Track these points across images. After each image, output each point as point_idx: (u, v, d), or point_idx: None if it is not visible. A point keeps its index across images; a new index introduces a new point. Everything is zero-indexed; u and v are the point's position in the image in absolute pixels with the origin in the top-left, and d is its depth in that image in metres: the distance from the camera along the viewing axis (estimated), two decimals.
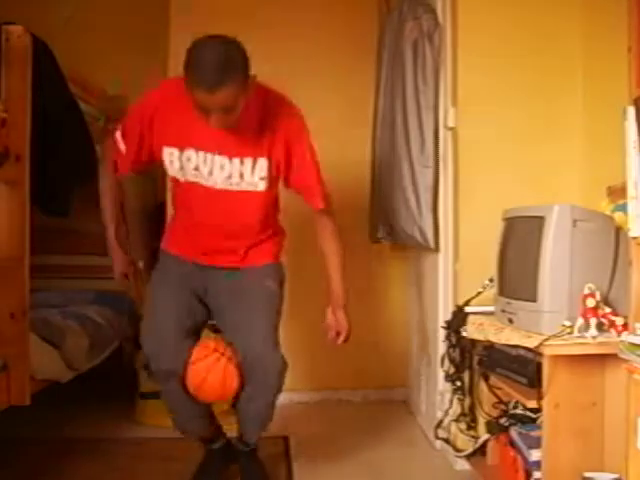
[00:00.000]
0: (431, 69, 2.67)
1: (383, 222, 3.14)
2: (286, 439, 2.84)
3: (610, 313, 1.88)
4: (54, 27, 3.30)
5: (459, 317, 2.39)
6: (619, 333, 1.81)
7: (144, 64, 3.48)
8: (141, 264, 2.46)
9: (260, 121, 2.03)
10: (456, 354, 2.46)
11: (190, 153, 2.04)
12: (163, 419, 2.91)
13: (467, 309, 2.39)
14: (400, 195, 2.88)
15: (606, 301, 1.93)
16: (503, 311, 2.17)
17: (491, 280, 2.32)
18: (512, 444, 2.19)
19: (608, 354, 1.82)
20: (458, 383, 2.47)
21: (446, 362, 2.50)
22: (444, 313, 2.59)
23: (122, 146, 2.09)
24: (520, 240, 2.17)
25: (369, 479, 2.51)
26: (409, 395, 3.37)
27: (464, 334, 2.33)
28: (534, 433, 2.12)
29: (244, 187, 2.08)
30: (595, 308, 1.87)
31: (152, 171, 3.88)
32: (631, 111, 1.61)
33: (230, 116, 1.87)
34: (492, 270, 2.28)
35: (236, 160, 2.04)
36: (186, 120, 1.97)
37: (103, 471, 2.48)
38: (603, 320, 1.87)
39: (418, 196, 2.72)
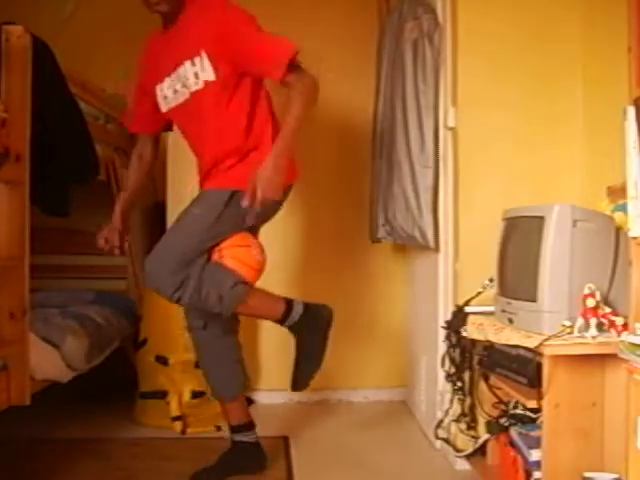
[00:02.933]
0: (431, 69, 2.67)
1: (383, 222, 3.14)
2: (286, 439, 2.84)
3: (610, 313, 1.89)
4: (54, 27, 3.31)
5: (459, 317, 2.39)
6: (619, 333, 1.81)
7: None
8: (127, 243, 2.52)
9: (193, 19, 2.19)
10: (456, 354, 2.46)
11: (167, 81, 2.27)
12: (163, 419, 2.92)
13: (467, 309, 2.38)
14: (400, 195, 2.88)
15: (606, 301, 1.93)
16: (503, 311, 2.17)
17: (491, 280, 2.32)
18: (512, 444, 2.19)
19: (608, 354, 1.82)
20: (458, 383, 2.47)
21: (446, 362, 2.50)
22: (444, 313, 2.59)
23: (130, 107, 2.43)
24: (520, 240, 2.17)
25: (369, 479, 2.51)
26: (409, 395, 3.37)
27: (464, 334, 2.33)
28: (534, 433, 2.12)
29: (200, 85, 2.19)
30: (595, 308, 1.87)
31: (151, 169, 3.89)
32: (631, 111, 1.61)
33: None
34: (492, 270, 2.28)
35: (187, 63, 2.19)
36: (158, 53, 2.29)
37: (103, 471, 2.48)
38: (603, 320, 1.87)
39: (418, 196, 2.72)
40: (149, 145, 2.52)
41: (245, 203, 2.02)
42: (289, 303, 2.33)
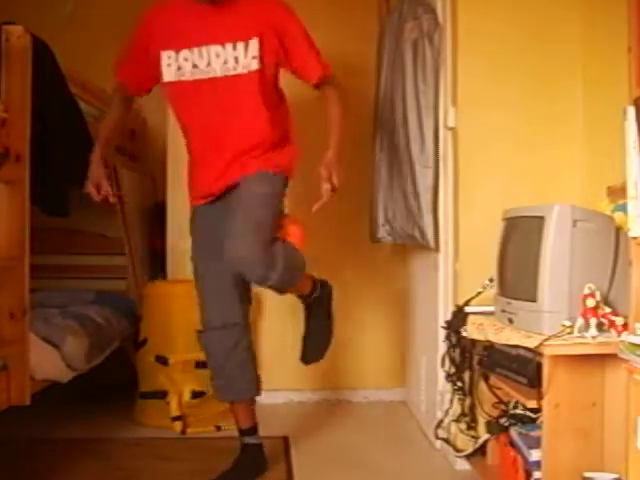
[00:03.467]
0: (431, 69, 2.67)
1: (383, 222, 3.14)
2: (286, 439, 2.84)
3: (610, 313, 1.89)
4: (54, 27, 3.31)
5: (459, 317, 2.39)
6: (619, 333, 1.81)
7: None
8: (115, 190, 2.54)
9: (245, 5, 2.18)
10: (456, 354, 2.46)
11: (185, 53, 2.19)
12: (163, 419, 2.92)
13: (467, 309, 2.38)
14: (400, 195, 2.88)
15: (606, 301, 1.93)
16: (503, 311, 2.17)
17: (491, 280, 2.32)
18: (512, 444, 2.19)
19: (608, 354, 1.82)
20: (458, 383, 2.47)
21: (446, 362, 2.50)
22: (444, 313, 2.59)
23: (123, 59, 2.34)
24: (520, 240, 2.17)
25: (369, 479, 2.51)
26: (409, 395, 3.37)
27: (464, 334, 2.33)
28: (534, 433, 2.12)
29: (240, 70, 2.18)
30: (595, 308, 1.87)
31: (151, 169, 3.89)
32: (631, 111, 1.61)
33: None
34: (492, 270, 2.28)
35: (229, 45, 2.16)
36: (177, 22, 2.21)
37: (103, 471, 2.48)
38: (603, 320, 1.87)
39: (418, 196, 2.72)
40: (123, 107, 2.46)
41: (327, 187, 2.15)
42: (314, 280, 2.50)
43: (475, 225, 2.53)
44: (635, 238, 1.63)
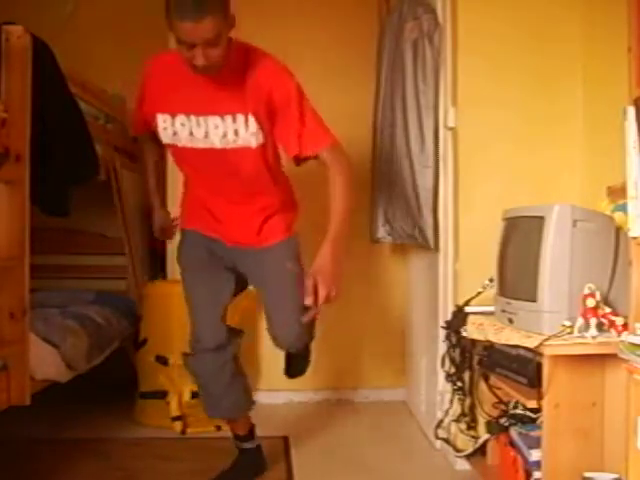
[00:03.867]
0: (431, 69, 2.67)
1: (383, 222, 3.14)
2: (286, 439, 2.84)
3: (610, 313, 1.89)
4: (54, 27, 3.31)
5: (459, 317, 2.39)
6: (619, 333, 1.81)
7: (144, 64, 3.47)
8: (175, 222, 2.47)
9: (245, 76, 2.03)
10: (456, 354, 2.46)
11: (182, 118, 2.06)
12: (163, 419, 2.92)
13: (467, 309, 2.39)
14: (400, 195, 2.88)
15: (606, 301, 1.93)
16: (503, 311, 2.17)
17: (491, 280, 2.32)
18: (512, 444, 2.19)
19: (608, 354, 1.82)
20: (458, 383, 2.47)
21: (446, 362, 2.50)
22: (444, 313, 2.59)
23: (135, 112, 2.25)
24: (520, 240, 2.17)
25: (369, 479, 2.51)
26: (409, 395, 3.37)
27: (464, 334, 2.33)
28: (534, 433, 2.12)
29: (241, 144, 2.07)
30: (595, 308, 1.87)
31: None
32: (631, 111, 1.61)
33: (215, 51, 1.85)
34: (492, 270, 2.28)
35: (228, 118, 2.04)
36: (175, 86, 2.05)
37: (103, 471, 2.48)
38: (603, 320, 1.87)
39: (418, 196, 2.72)
40: (154, 143, 2.35)
41: (309, 301, 1.95)
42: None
43: (475, 225, 2.53)
44: (635, 238, 1.63)
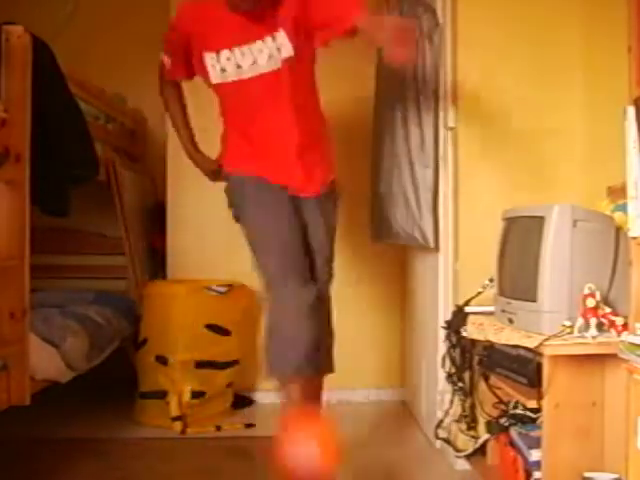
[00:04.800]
0: (431, 69, 2.67)
1: (383, 222, 3.13)
2: None
3: (610, 313, 1.89)
4: (54, 27, 3.31)
5: (459, 317, 2.39)
6: (619, 333, 1.81)
7: (144, 64, 3.48)
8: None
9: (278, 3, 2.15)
10: (456, 354, 2.46)
11: (226, 53, 2.18)
12: (163, 419, 2.92)
13: (467, 309, 2.39)
14: (400, 195, 2.88)
15: (606, 301, 1.93)
16: (503, 311, 2.17)
17: (491, 280, 2.32)
18: (512, 444, 2.19)
19: (608, 354, 1.82)
20: (459, 383, 2.47)
21: (446, 362, 2.50)
22: (444, 313, 2.59)
23: (167, 60, 2.33)
24: (520, 240, 2.17)
25: (369, 479, 2.50)
26: (409, 395, 3.37)
27: (464, 334, 2.33)
28: (534, 433, 2.12)
29: (284, 55, 2.17)
30: (595, 308, 1.87)
31: (151, 169, 3.88)
32: (631, 111, 1.61)
33: None
34: (492, 270, 2.28)
35: (268, 39, 2.15)
36: (212, 24, 2.18)
37: (103, 471, 2.47)
38: (603, 320, 1.87)
39: (418, 196, 2.72)
40: (178, 90, 2.47)
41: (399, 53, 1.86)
42: None
43: (475, 225, 2.53)
44: (635, 238, 1.63)
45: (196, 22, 2.23)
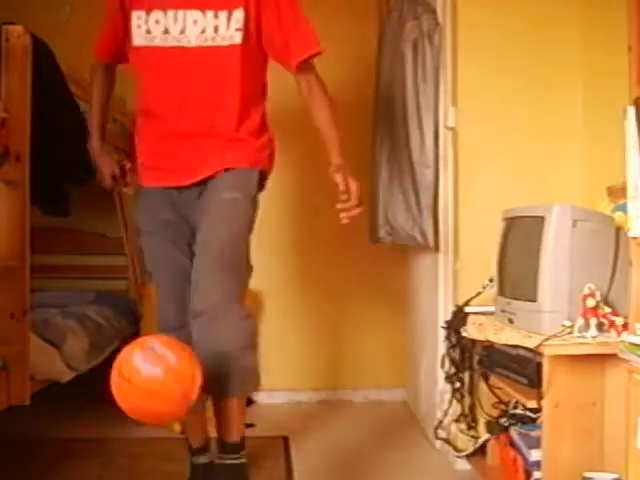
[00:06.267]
0: (431, 69, 2.67)
1: (383, 222, 3.13)
2: (286, 439, 2.83)
3: (610, 313, 1.89)
4: (54, 27, 3.30)
5: (459, 317, 2.39)
6: (619, 333, 1.81)
7: None
8: (128, 164, 2.25)
9: None
10: (456, 354, 2.46)
11: (158, 14, 1.93)
12: None
13: (467, 309, 2.39)
14: (400, 195, 2.88)
15: (606, 301, 1.93)
16: (503, 311, 2.17)
17: (491, 280, 2.32)
18: (512, 444, 2.19)
19: (608, 354, 1.82)
20: (458, 383, 2.47)
21: (446, 362, 2.50)
22: (444, 313, 2.59)
23: (100, 34, 2.15)
24: (520, 240, 2.17)
25: (369, 479, 2.51)
26: (409, 395, 3.37)
27: (464, 334, 2.33)
28: (534, 433, 2.12)
29: (219, 42, 1.93)
30: (595, 308, 1.87)
31: None
32: (631, 111, 1.61)
33: None
34: (492, 270, 2.28)
35: (209, 13, 1.91)
36: None
37: (103, 471, 2.48)
38: (603, 320, 1.87)
39: (418, 196, 2.72)
40: (107, 78, 2.26)
41: (344, 197, 1.88)
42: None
43: (475, 225, 2.53)
44: (635, 238, 1.63)
45: None
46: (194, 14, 1.92)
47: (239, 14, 1.93)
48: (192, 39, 1.93)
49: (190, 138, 2.00)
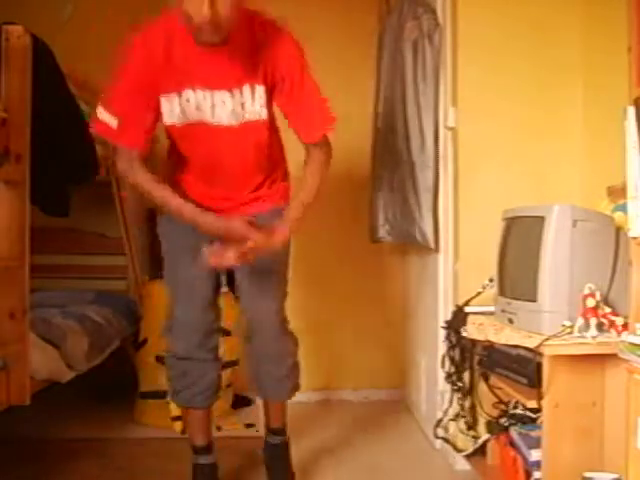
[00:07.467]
0: (431, 69, 2.67)
1: (383, 222, 3.14)
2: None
3: (610, 313, 1.89)
4: (54, 27, 3.31)
5: (459, 317, 2.39)
6: (619, 333, 1.81)
7: None
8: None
9: (251, 46, 1.93)
10: (456, 354, 2.46)
11: (188, 93, 1.94)
12: (163, 419, 2.92)
13: (467, 309, 2.39)
14: (400, 195, 2.88)
15: (606, 301, 1.93)
16: (503, 311, 2.17)
17: (491, 280, 2.32)
18: (512, 444, 2.19)
19: (608, 354, 1.82)
20: (458, 383, 2.47)
21: (446, 362, 2.50)
22: (444, 313, 2.59)
23: (114, 122, 1.93)
24: (520, 240, 2.17)
25: (369, 479, 2.51)
26: (409, 395, 3.37)
27: (464, 334, 2.33)
28: (534, 433, 2.12)
29: (248, 117, 1.99)
30: (595, 308, 1.87)
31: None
32: (631, 111, 1.61)
33: (223, 5, 1.72)
34: (492, 270, 2.28)
35: (236, 91, 1.95)
36: (178, 62, 1.91)
37: (103, 471, 2.48)
38: (603, 320, 1.87)
39: (418, 196, 2.72)
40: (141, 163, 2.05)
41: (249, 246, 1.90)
42: None
43: (475, 225, 2.53)
44: (635, 238, 1.63)
45: (156, 61, 1.90)
46: (222, 95, 1.95)
47: (261, 90, 1.97)
48: (224, 119, 1.98)
49: (225, 195, 2.14)
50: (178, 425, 2.90)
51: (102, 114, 1.95)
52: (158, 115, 1.99)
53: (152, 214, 3.77)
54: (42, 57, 2.28)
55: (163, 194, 2.03)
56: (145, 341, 3.06)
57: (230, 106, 1.97)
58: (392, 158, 2.98)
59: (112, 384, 3.26)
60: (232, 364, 3.13)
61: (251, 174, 2.13)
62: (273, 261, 2.15)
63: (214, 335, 2.25)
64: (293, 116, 2.02)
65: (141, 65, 1.91)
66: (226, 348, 3.09)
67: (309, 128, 2.03)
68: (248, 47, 1.93)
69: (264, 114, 2.00)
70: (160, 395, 2.96)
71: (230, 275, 2.38)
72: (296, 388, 2.39)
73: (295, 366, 2.36)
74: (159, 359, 2.98)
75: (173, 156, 2.18)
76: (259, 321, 2.22)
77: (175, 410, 2.91)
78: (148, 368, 3.02)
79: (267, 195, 2.18)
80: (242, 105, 1.97)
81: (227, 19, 1.76)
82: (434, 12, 2.68)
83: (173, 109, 1.97)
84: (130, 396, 3.11)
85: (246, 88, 1.95)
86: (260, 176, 2.15)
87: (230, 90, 1.95)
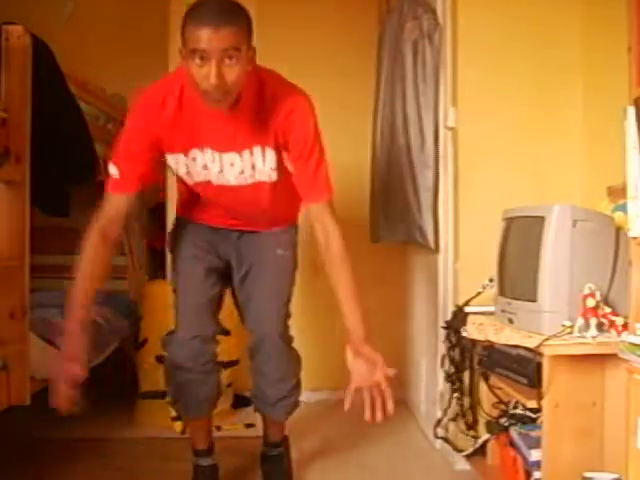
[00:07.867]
0: (431, 69, 2.67)
1: (383, 222, 3.14)
2: (286, 439, 2.83)
3: (610, 313, 1.89)
4: (54, 27, 3.31)
5: (459, 317, 2.39)
6: (619, 333, 1.81)
7: (144, 64, 3.48)
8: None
9: (261, 109, 1.88)
10: (456, 354, 2.46)
11: (195, 153, 1.93)
12: (163, 419, 2.92)
13: (467, 309, 2.39)
14: (400, 195, 2.88)
15: (606, 301, 1.93)
16: (503, 311, 2.17)
17: (491, 280, 2.32)
18: (512, 444, 2.19)
19: (608, 354, 1.82)
20: (458, 383, 2.47)
21: (446, 362, 2.50)
22: (444, 313, 2.59)
23: (115, 171, 1.94)
24: (520, 240, 2.17)
25: (369, 479, 2.51)
26: (409, 395, 3.37)
27: (464, 334, 2.33)
28: (534, 433, 2.12)
29: (257, 178, 1.98)
30: (595, 308, 1.87)
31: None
32: (631, 111, 1.61)
33: (231, 72, 1.67)
34: (492, 270, 2.28)
35: (245, 153, 1.93)
36: (186, 122, 1.87)
37: (103, 471, 2.48)
38: (603, 320, 1.87)
39: (418, 196, 2.72)
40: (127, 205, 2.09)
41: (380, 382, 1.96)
42: None
43: (475, 225, 2.53)
44: (635, 238, 1.63)
45: (161, 121, 1.87)
46: (231, 156, 1.94)
47: (271, 153, 1.95)
48: (231, 179, 1.98)
49: (240, 223, 2.20)
50: (178, 425, 2.90)
51: (110, 168, 1.96)
52: (158, 165, 2.02)
53: (152, 214, 3.78)
54: (42, 57, 2.29)
55: (77, 275, 1.98)
56: (145, 341, 3.06)
57: (239, 167, 1.95)
58: (392, 158, 2.98)
59: (112, 384, 3.25)
60: (232, 364, 3.13)
61: (265, 213, 2.15)
62: (278, 286, 2.22)
63: (213, 344, 2.22)
64: (295, 178, 1.99)
65: (146, 124, 1.89)
66: (226, 348, 3.10)
67: (308, 192, 1.97)
68: (258, 110, 1.88)
69: (274, 177, 1.99)
70: (160, 395, 2.96)
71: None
72: (296, 405, 2.35)
73: (297, 385, 2.34)
74: (159, 359, 2.97)
75: (182, 185, 2.18)
76: (263, 342, 2.19)
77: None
78: (148, 368, 3.02)
79: (284, 220, 2.25)
80: (253, 166, 1.96)
81: (234, 85, 1.72)
82: (434, 12, 2.68)
83: (179, 169, 1.98)
84: (130, 396, 3.11)
85: (257, 149, 1.93)
86: (277, 212, 2.17)
87: (239, 152, 1.93)
